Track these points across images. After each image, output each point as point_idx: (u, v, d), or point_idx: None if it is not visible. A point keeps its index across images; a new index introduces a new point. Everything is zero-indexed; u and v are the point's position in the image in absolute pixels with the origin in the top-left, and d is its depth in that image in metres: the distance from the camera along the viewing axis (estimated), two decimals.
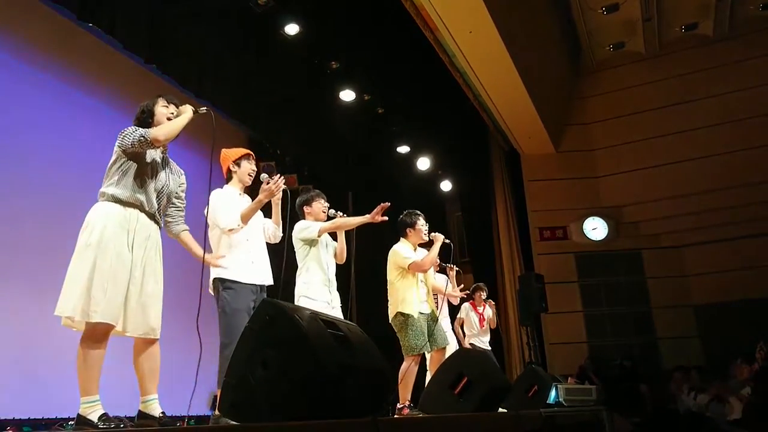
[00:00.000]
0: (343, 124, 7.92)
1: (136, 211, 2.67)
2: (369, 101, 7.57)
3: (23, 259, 4.96)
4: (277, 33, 6.15)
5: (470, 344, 6.54)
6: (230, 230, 3.38)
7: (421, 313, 4.39)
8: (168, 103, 2.89)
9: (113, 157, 2.71)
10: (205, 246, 3.13)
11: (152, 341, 2.66)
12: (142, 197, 2.69)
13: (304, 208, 4.28)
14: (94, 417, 2.40)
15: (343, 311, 4.17)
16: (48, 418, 4.65)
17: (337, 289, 4.18)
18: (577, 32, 8.57)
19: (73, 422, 2.49)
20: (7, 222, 4.94)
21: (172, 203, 2.95)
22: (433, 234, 4.63)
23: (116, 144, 2.70)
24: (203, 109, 2.96)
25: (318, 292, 4.02)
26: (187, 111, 2.85)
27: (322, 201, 4.27)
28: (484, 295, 6.63)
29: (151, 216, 2.74)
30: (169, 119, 2.83)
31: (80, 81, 5.84)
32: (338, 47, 6.74)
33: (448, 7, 5.71)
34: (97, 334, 2.50)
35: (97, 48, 5.90)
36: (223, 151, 3.72)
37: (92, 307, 2.47)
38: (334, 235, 4.29)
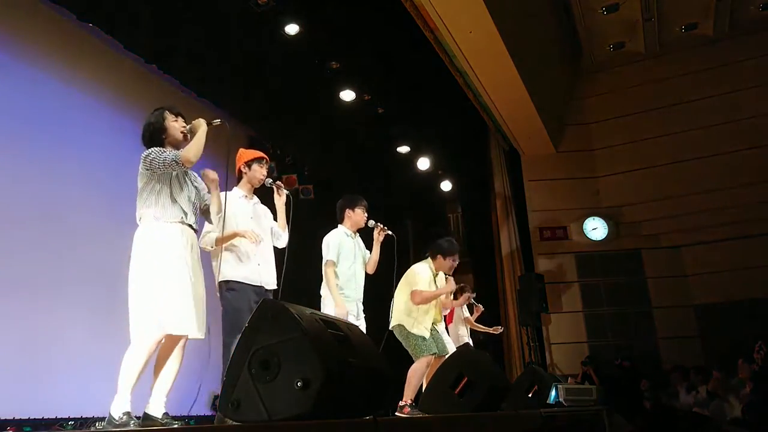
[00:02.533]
0: (343, 124, 7.91)
1: (179, 225, 2.82)
2: (369, 101, 7.56)
3: (23, 259, 4.96)
4: (277, 33, 6.15)
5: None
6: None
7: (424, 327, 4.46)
8: (176, 115, 2.96)
9: (143, 180, 2.82)
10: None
11: (185, 342, 2.82)
12: (180, 213, 2.84)
13: (347, 211, 4.33)
14: (117, 413, 2.52)
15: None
16: (48, 418, 4.65)
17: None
18: (577, 32, 8.56)
19: (72, 422, 2.55)
20: (5, 221, 4.94)
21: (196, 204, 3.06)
22: (448, 277, 4.72)
23: (143, 168, 2.80)
24: (217, 121, 3.03)
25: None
26: (202, 125, 2.91)
27: (365, 210, 4.34)
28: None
29: (190, 226, 2.89)
30: (182, 133, 2.93)
31: (80, 81, 5.84)
32: (338, 47, 6.74)
33: (448, 7, 5.70)
34: (156, 342, 2.66)
35: (97, 48, 5.90)
36: (240, 150, 3.80)
37: (172, 320, 2.65)
38: (369, 246, 4.40)
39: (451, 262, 4.67)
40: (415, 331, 4.38)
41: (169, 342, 2.76)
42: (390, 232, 4.40)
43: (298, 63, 6.77)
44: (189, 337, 2.78)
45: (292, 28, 6.13)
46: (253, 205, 3.71)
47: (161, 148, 2.83)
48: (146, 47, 5.59)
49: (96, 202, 5.37)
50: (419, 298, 4.45)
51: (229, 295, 3.38)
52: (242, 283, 3.42)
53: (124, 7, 5.27)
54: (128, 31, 5.42)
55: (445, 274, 4.76)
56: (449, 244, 4.71)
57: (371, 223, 4.37)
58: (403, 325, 4.44)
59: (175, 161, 2.77)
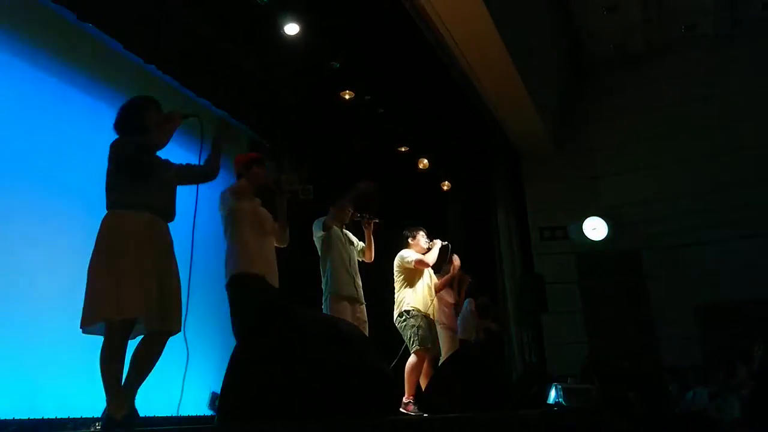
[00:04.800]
0: (343, 124, 7.91)
1: (147, 213, 2.75)
2: (369, 101, 7.55)
3: (22, 259, 4.96)
4: (277, 32, 6.14)
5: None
6: None
7: (425, 315, 4.52)
8: (154, 108, 2.96)
9: (111, 167, 2.80)
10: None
11: (167, 338, 2.75)
12: (149, 199, 2.77)
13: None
14: (116, 416, 2.51)
15: None
16: (48, 418, 4.65)
17: None
18: (578, 32, 8.57)
19: (72, 423, 2.55)
20: (6, 221, 4.94)
21: (185, 177, 3.04)
22: (431, 242, 4.92)
23: (112, 156, 2.79)
24: (191, 118, 3.03)
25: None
26: (176, 118, 2.91)
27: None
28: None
29: (161, 214, 2.82)
30: (157, 123, 2.89)
31: (80, 81, 5.84)
32: (338, 47, 6.73)
33: (448, 7, 5.71)
34: (125, 331, 2.61)
35: (97, 48, 5.90)
36: (237, 156, 3.90)
37: (126, 306, 2.55)
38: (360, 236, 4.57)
39: (421, 239, 4.92)
40: (412, 321, 4.47)
41: (147, 337, 2.70)
42: (377, 220, 4.53)
43: (298, 63, 6.76)
44: (152, 330, 2.69)
45: (292, 28, 6.12)
46: (256, 207, 3.73)
47: (130, 139, 2.82)
48: (146, 47, 5.58)
49: (96, 200, 5.36)
50: (428, 261, 4.76)
51: (243, 292, 3.39)
52: (260, 278, 3.44)
53: (124, 7, 5.27)
54: (128, 31, 5.42)
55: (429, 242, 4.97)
56: (411, 225, 5.03)
57: (357, 215, 4.46)
58: (402, 314, 4.54)
59: (142, 147, 2.79)
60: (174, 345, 2.89)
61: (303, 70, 6.91)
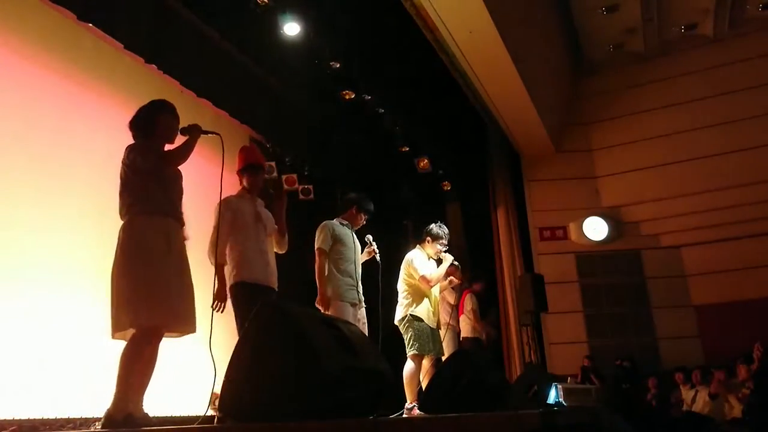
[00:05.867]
0: (343, 124, 7.91)
1: (168, 219, 2.77)
2: (369, 101, 7.56)
3: (23, 258, 4.96)
4: (277, 33, 6.15)
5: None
6: None
7: (427, 323, 4.53)
8: (172, 114, 2.95)
9: (129, 173, 2.77)
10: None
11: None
12: (168, 206, 2.80)
13: (354, 207, 4.47)
14: (119, 416, 2.52)
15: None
16: (48, 419, 4.65)
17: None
18: (577, 32, 8.57)
19: (71, 424, 2.56)
20: (8, 220, 4.94)
21: None
22: (443, 254, 4.81)
23: (128, 161, 2.76)
24: (211, 133, 3.03)
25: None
26: (195, 134, 2.92)
27: (367, 216, 4.47)
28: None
29: (178, 220, 2.87)
30: (174, 130, 2.92)
31: (80, 81, 5.84)
32: (338, 47, 6.74)
33: (448, 7, 5.71)
34: (153, 338, 2.63)
35: (97, 48, 5.90)
36: (239, 152, 3.86)
37: (157, 314, 2.58)
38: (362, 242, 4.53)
39: (438, 246, 4.78)
40: (416, 324, 4.47)
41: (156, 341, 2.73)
42: (378, 258, 4.47)
43: (297, 63, 6.77)
44: (179, 334, 2.74)
45: (292, 28, 6.13)
46: (257, 207, 3.73)
47: (150, 146, 2.82)
48: (147, 47, 5.59)
49: (97, 200, 5.37)
50: (431, 281, 4.61)
51: (243, 297, 3.40)
52: (255, 284, 3.46)
53: (124, 7, 5.27)
54: (128, 31, 5.42)
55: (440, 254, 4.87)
56: (438, 228, 4.85)
57: (369, 237, 4.44)
58: (405, 317, 4.51)
59: (162, 161, 2.79)
60: (168, 345, 2.89)
61: (303, 70, 6.91)
